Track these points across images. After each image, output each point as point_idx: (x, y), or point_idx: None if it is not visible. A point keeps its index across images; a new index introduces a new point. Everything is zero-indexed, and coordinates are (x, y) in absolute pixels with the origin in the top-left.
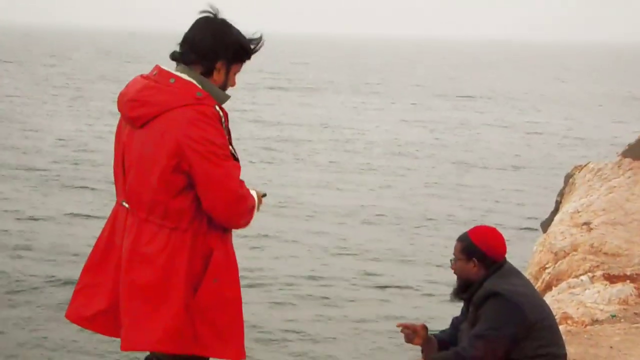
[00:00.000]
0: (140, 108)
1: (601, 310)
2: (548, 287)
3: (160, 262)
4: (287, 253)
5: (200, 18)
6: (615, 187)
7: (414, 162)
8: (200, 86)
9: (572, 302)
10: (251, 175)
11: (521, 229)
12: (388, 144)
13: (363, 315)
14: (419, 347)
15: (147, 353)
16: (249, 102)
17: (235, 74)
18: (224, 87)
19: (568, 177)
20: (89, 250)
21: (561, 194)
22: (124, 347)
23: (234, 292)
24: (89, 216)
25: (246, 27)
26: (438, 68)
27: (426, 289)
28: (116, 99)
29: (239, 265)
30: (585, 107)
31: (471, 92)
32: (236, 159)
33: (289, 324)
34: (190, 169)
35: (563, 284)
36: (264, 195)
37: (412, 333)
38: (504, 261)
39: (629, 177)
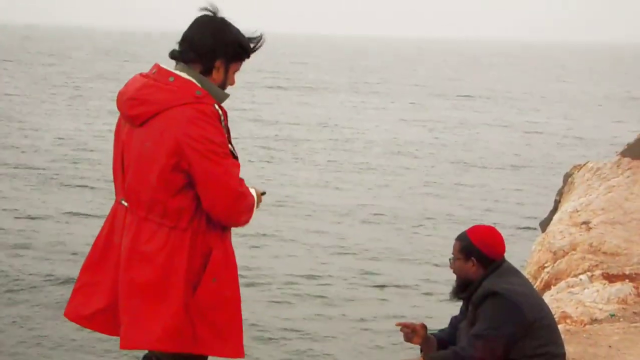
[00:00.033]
0: (140, 106)
1: (600, 309)
2: (547, 286)
3: (159, 260)
4: (286, 252)
5: (200, 17)
6: (614, 186)
7: (413, 161)
8: (199, 85)
9: (571, 301)
10: (250, 175)
11: (520, 228)
12: (387, 144)
13: (362, 314)
14: (418, 346)
15: (146, 352)
16: (248, 101)
17: (234, 73)
18: (223, 86)
19: (567, 177)
20: (88, 248)
21: (560, 194)
22: (123, 346)
23: (233, 290)
24: (87, 215)
25: (246, 27)
26: (438, 68)
27: (425, 288)
28: (115, 98)
29: (238, 264)
30: (584, 107)
31: (471, 92)
32: (235, 158)
33: (288, 323)
34: (189, 168)
35: (562, 283)
36: (264, 193)
37: (412, 332)
38: (502, 260)
39: (628, 177)
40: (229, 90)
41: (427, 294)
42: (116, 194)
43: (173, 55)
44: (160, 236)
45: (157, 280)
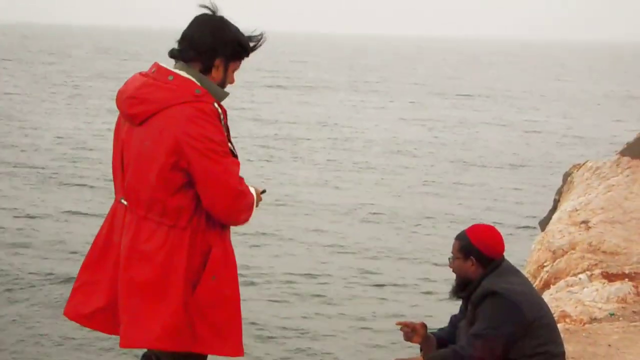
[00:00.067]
0: (139, 105)
1: (599, 308)
2: (546, 285)
3: (159, 259)
4: (285, 251)
5: (199, 15)
6: (613, 185)
7: (412, 160)
8: (199, 83)
9: (570, 300)
10: (250, 173)
11: (519, 227)
12: (387, 143)
13: (361, 313)
14: (417, 345)
15: (145, 350)
16: (248, 100)
17: (234, 72)
18: (222, 85)
19: (566, 176)
20: (88, 247)
21: (559, 193)
22: (123, 345)
23: (233, 289)
24: (87, 214)
25: (246, 26)
26: (437, 67)
27: (424, 287)
28: (114, 97)
29: (238, 263)
30: (584, 106)
31: (470, 91)
32: (235, 156)
33: (287, 322)
34: (189, 167)
35: (561, 283)
36: (263, 191)
37: (412, 331)
38: (502, 259)
39: (628, 176)
40: (228, 88)
41: (426, 293)
42: (116, 193)
43: (172, 54)
44: (160, 235)
45: (156, 279)
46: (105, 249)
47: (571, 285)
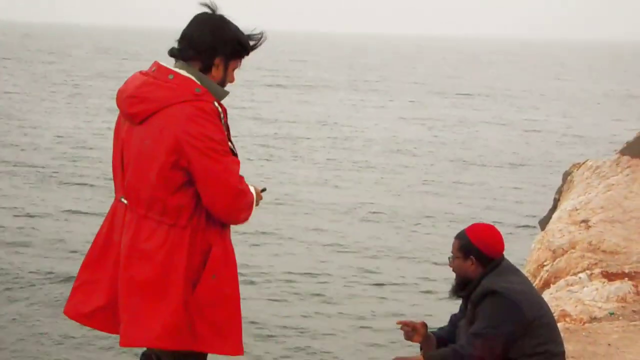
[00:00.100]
0: (139, 104)
1: (599, 307)
2: (546, 284)
3: (159, 258)
4: (285, 250)
5: (199, 14)
6: (613, 184)
7: (412, 159)
8: (199, 82)
9: (570, 299)
10: (249, 172)
11: (519, 226)
12: (386, 142)
13: (360, 312)
14: (416, 344)
15: (144, 349)
16: (248, 99)
17: (234, 70)
18: (222, 83)
19: (566, 175)
20: (88, 246)
21: (559, 192)
22: (123, 343)
23: (233, 288)
24: (87, 213)
25: (246, 25)
26: (437, 66)
27: (424, 286)
28: (114, 96)
29: (238, 262)
30: (583, 105)
31: (470, 90)
32: (235, 155)
33: (287, 320)
34: (189, 165)
35: (561, 282)
36: (264, 190)
37: (412, 330)
38: (501, 259)
39: (627, 175)
40: (228, 87)
41: (426, 292)
42: (116, 192)
43: (172, 53)
44: (160, 234)
45: (156, 278)
46: (105, 248)
47: (571, 285)
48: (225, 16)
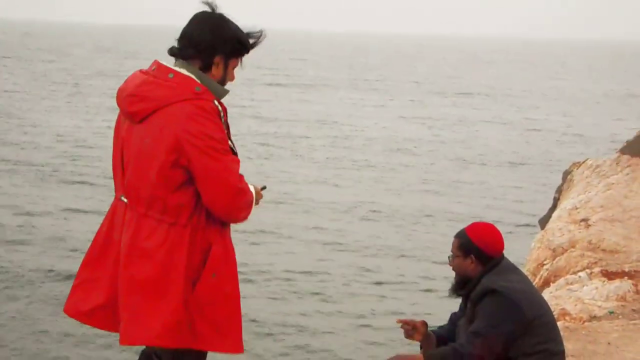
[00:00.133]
0: (139, 103)
1: (599, 306)
2: (546, 283)
3: (159, 257)
4: (285, 248)
5: (198, 13)
6: (613, 183)
7: (412, 158)
8: (199, 81)
9: (570, 298)
10: (249, 171)
11: (519, 225)
12: (386, 141)
13: (360, 311)
14: (416, 343)
15: (143, 348)
16: (248, 98)
17: (233, 69)
18: (222, 82)
19: (566, 174)
20: (88, 245)
21: (559, 191)
22: (123, 342)
23: (233, 286)
24: (87, 211)
25: (246, 25)
26: (437, 66)
27: (424, 284)
28: (114, 95)
29: (237, 261)
30: (584, 105)
31: (470, 89)
32: (235, 154)
33: (287, 319)
34: (189, 164)
35: (561, 281)
36: (264, 188)
37: (412, 329)
38: (501, 258)
39: (627, 174)
40: (228, 86)
41: (425, 290)
42: (116, 191)
43: (172, 52)
44: (160, 232)
45: (156, 276)
46: (105, 246)
47: (571, 284)
48: (225, 14)
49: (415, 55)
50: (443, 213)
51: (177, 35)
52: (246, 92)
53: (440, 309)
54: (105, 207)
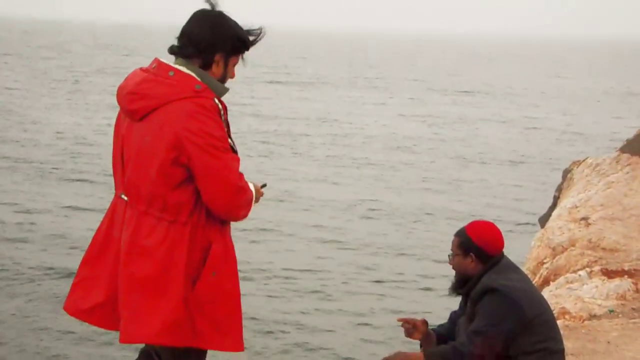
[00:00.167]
0: (140, 101)
1: (599, 305)
2: (546, 282)
3: (159, 255)
4: (285, 246)
5: (198, 11)
6: (613, 182)
7: (412, 156)
8: (199, 79)
9: (570, 297)
10: (249, 169)
11: (519, 224)
12: (386, 139)
13: (360, 309)
14: (416, 341)
15: (143, 345)
16: (248, 96)
17: (234, 66)
18: (223, 80)
19: (566, 173)
20: (88, 242)
21: (559, 189)
22: (123, 340)
23: (233, 284)
24: (87, 209)
25: (246, 24)
26: (437, 64)
27: (423, 283)
28: (115, 92)
29: (237, 259)
30: (583, 103)
31: (470, 88)
32: (235, 152)
33: (287, 316)
34: (189, 162)
35: (561, 279)
36: (264, 185)
37: (412, 328)
38: (501, 256)
39: (627, 173)
40: (228, 84)
41: (425, 289)
42: (116, 188)
43: (172, 50)
44: (160, 230)
45: (156, 274)
46: (105, 244)
47: (571, 282)
48: (225, 12)
49: (415, 53)
50: (443, 211)
51: (177, 33)
52: (246, 90)
53: (440, 307)
54: (105, 205)
